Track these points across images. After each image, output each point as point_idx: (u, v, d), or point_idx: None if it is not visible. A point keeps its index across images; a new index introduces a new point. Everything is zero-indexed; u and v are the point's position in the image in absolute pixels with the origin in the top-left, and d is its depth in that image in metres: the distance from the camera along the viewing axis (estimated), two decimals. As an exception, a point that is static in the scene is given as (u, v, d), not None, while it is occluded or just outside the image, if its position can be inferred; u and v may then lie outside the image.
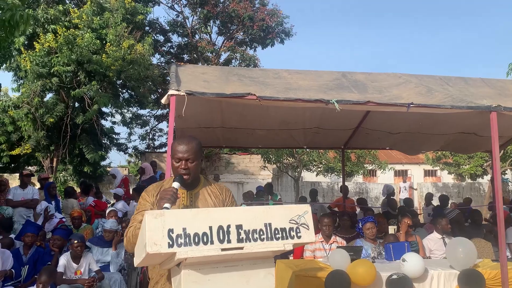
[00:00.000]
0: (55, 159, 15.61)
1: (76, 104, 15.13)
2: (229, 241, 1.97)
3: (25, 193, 7.41)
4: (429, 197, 10.59)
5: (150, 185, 2.69)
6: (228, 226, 2.00)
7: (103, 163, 19.04)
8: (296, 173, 16.62)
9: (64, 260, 5.03)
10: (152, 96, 18.77)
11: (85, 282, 4.84)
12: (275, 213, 2.11)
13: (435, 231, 5.79)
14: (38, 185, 8.74)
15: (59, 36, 12.37)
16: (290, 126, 7.48)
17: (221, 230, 1.98)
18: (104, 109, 16.45)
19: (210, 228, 1.96)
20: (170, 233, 1.89)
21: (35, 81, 13.06)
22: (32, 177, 8.29)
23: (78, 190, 10.43)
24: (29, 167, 17.14)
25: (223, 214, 2.02)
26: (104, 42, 13.08)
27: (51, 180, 9.73)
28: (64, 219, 7.15)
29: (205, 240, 1.94)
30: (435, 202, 10.77)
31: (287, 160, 16.07)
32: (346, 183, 9.73)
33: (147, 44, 13.64)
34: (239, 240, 1.99)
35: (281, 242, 2.06)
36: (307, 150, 15.50)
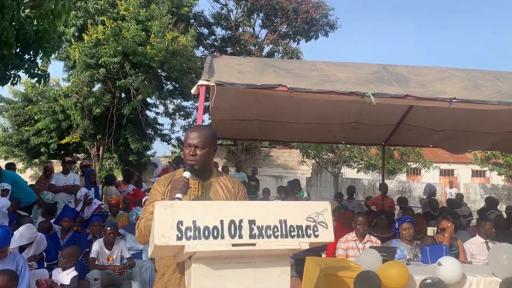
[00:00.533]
0: (101, 148, 16.14)
1: (122, 95, 15.57)
2: (240, 237, 1.89)
3: (67, 179, 7.68)
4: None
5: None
6: (241, 221, 1.91)
7: (148, 152, 19.53)
8: (336, 169, 16.30)
9: (97, 246, 5.15)
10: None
11: (116, 268, 4.93)
12: (292, 209, 2.00)
13: (478, 235, 5.46)
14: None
15: (106, 28, 12.72)
16: (328, 121, 7.30)
17: (232, 225, 1.90)
18: (148, 100, 16.83)
19: (222, 222, 1.89)
20: (180, 225, 1.83)
21: (84, 71, 13.51)
22: (73, 164, 8.57)
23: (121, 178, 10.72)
24: (77, 155, 17.85)
25: (236, 208, 1.94)
26: (149, 34, 13.33)
27: (92, 168, 10.03)
28: (102, 206, 7.35)
29: (215, 234, 1.86)
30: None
31: (327, 156, 15.77)
32: (388, 182, 9.45)
33: (189, 36, 13.76)
34: (252, 236, 1.91)
35: (297, 241, 1.96)
36: (348, 146, 15.17)
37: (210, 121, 8.84)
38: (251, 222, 1.92)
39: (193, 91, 4.10)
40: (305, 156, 15.84)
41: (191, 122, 23.34)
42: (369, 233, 5.77)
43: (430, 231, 5.90)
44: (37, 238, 5.07)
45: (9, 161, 16.23)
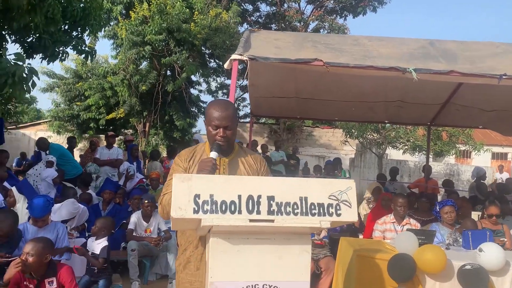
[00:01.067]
0: (147, 124, 16.56)
1: (168, 73, 15.81)
2: (258, 212, 1.84)
3: (111, 153, 7.92)
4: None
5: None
6: (259, 197, 1.86)
7: (192, 130, 19.83)
8: (381, 150, 15.84)
9: (135, 218, 5.29)
10: (239, 66, 18.96)
11: (152, 240, 5.06)
12: (313, 186, 1.92)
13: (527, 221, 5.16)
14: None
15: (152, 5, 12.86)
16: (370, 99, 7.04)
17: (250, 200, 1.85)
18: (192, 78, 17.00)
19: (239, 197, 1.85)
20: (197, 198, 1.81)
21: (130, 49, 13.79)
22: (116, 138, 8.81)
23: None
24: (124, 131, 18.42)
25: (255, 183, 1.89)
26: (193, 10, 13.35)
27: (135, 143, 10.29)
28: (144, 180, 7.54)
29: (232, 209, 1.83)
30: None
31: (371, 136, 15.33)
32: (436, 164, 9.06)
33: (232, 12, 13.65)
34: (270, 212, 1.85)
35: (317, 219, 1.89)
36: (394, 126, 14.68)
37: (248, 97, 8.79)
38: (270, 198, 1.87)
39: (226, 65, 4.03)
40: (348, 136, 15.49)
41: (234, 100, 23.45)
42: (409, 216, 5.58)
43: (475, 216, 5.61)
44: (80, 210, 5.28)
45: (62, 135, 17.05)
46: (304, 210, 1.88)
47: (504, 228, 5.17)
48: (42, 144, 7.65)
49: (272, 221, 1.85)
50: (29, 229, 4.20)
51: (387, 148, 16.13)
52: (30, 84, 5.64)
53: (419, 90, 6.49)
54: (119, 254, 5.21)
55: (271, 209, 1.86)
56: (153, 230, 5.34)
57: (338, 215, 1.92)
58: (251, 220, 1.83)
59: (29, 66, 5.64)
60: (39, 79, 5.73)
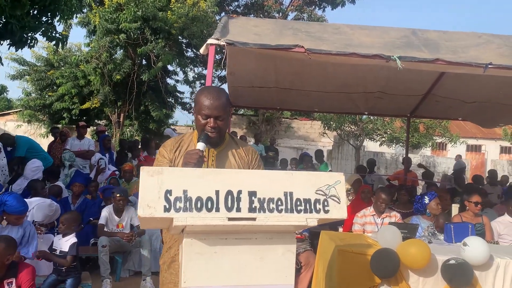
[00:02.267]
0: (122, 115, 16.13)
1: (143, 62, 15.38)
2: (238, 210, 1.65)
3: (82, 144, 7.59)
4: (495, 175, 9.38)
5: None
6: (239, 192, 1.66)
7: (169, 121, 19.43)
8: (358, 142, 15.86)
9: (106, 212, 5.03)
10: (217, 56, 18.63)
11: (124, 235, 4.82)
12: (299, 180, 1.74)
13: (506, 213, 5.12)
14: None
15: (127, -8, 12.43)
16: (351, 89, 6.92)
17: (230, 196, 1.65)
18: (169, 68, 16.60)
19: (217, 192, 1.64)
20: (168, 195, 1.60)
21: (104, 37, 13.33)
22: (87, 129, 8.47)
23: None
24: (98, 121, 17.92)
25: (234, 177, 1.69)
26: (169, -1, 12.97)
27: (107, 133, 9.95)
28: (117, 172, 7.24)
29: (209, 207, 1.62)
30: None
31: (349, 128, 15.32)
32: (412, 156, 9.02)
33: (210, 1, 13.34)
34: (251, 209, 1.66)
35: (303, 216, 1.70)
36: (371, 118, 14.69)
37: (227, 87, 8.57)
38: (252, 194, 1.68)
39: (202, 50, 3.80)
40: (326, 128, 15.44)
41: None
42: (388, 208, 5.49)
43: (455, 208, 5.56)
44: (54, 211, 4.98)
45: (33, 124, 16.48)
46: (289, 207, 1.70)
47: (484, 220, 5.13)
48: (7, 140, 7.23)
49: (254, 219, 1.66)
50: (-7, 226, 3.91)
51: (365, 140, 16.17)
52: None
53: (400, 81, 6.40)
54: (89, 251, 4.95)
55: (253, 206, 1.66)
56: (125, 225, 5.09)
57: (326, 211, 1.74)
58: (230, 219, 1.63)
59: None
60: (2, 64, 5.37)
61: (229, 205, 1.64)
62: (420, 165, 8.70)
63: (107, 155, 7.57)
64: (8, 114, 20.97)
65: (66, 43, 8.01)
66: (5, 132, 8.55)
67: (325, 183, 1.76)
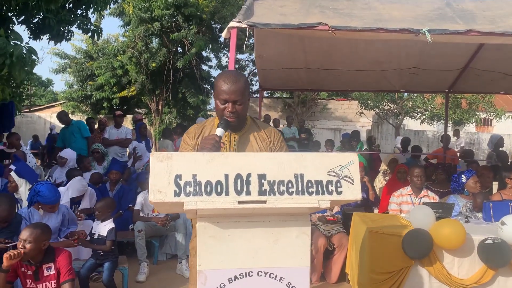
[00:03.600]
0: (160, 103, 16.44)
1: (178, 50, 15.55)
2: (248, 193, 1.64)
3: (119, 133, 7.79)
4: None
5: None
6: (249, 175, 1.66)
7: (208, 107, 19.60)
8: (398, 121, 15.41)
9: (141, 198, 5.17)
10: (250, 40, 18.55)
11: (159, 220, 4.94)
12: (310, 162, 1.71)
13: (553, 190, 4.86)
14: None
15: (157, -20, 12.56)
16: (384, 67, 6.71)
17: (239, 180, 1.65)
18: (203, 54, 16.69)
19: (226, 176, 1.64)
20: (178, 179, 1.61)
21: (139, 26, 13.56)
22: (124, 117, 8.71)
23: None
24: (138, 110, 18.37)
25: (243, 160, 1.68)
26: (201, -17, 13.00)
27: (143, 121, 10.17)
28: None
29: (218, 190, 1.63)
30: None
31: (388, 106, 14.89)
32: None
33: (239, -17, 13.25)
34: (261, 192, 1.65)
35: (315, 198, 1.68)
36: (411, 95, 14.22)
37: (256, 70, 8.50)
38: (261, 177, 1.66)
39: (224, 34, 3.77)
40: (363, 107, 15.08)
41: (246, 76, 23.10)
42: (427, 188, 5.33)
43: (496, 186, 5.32)
44: (88, 192, 5.18)
45: (76, 115, 17.11)
46: (299, 189, 1.67)
47: (527, 198, 4.88)
48: (64, 116, 7.71)
49: (264, 202, 1.65)
50: (34, 214, 4.12)
51: (404, 118, 15.69)
52: (29, 63, 5.52)
53: (436, 55, 6.14)
54: (128, 235, 5.12)
55: (263, 189, 1.65)
56: (160, 210, 5.21)
57: (339, 193, 1.70)
58: (240, 202, 1.63)
59: (27, 45, 5.49)
60: (38, 58, 5.57)
61: (239, 188, 1.64)
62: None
63: (143, 142, 7.75)
64: (53, 106, 21.85)
65: (101, 34, 8.19)
66: (62, 110, 9.13)
67: (338, 164, 1.72)
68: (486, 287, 3.57)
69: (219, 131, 2.12)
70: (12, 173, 4.87)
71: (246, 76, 20.58)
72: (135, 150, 6.99)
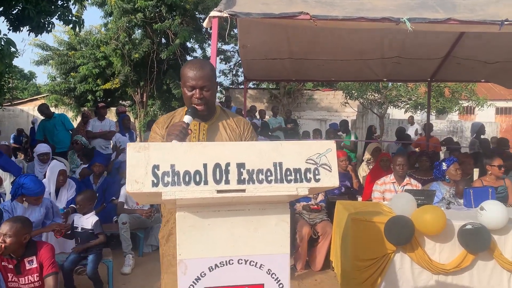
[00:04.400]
0: (144, 94, 16.30)
1: (163, 41, 15.39)
2: (227, 182, 1.64)
3: (103, 125, 7.72)
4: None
5: None
6: (227, 164, 1.66)
7: (192, 98, 19.39)
8: (382, 110, 15.53)
9: (125, 190, 5.13)
10: (235, 30, 18.42)
11: (143, 212, 4.93)
12: (288, 150, 1.72)
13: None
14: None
15: (139, -31, 12.39)
16: (367, 56, 6.74)
17: (218, 169, 1.65)
18: (188, 45, 16.56)
19: (205, 165, 1.64)
20: (155, 169, 1.61)
21: (121, 17, 13.39)
22: (107, 110, 8.64)
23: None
24: (123, 102, 18.19)
25: (222, 149, 1.68)
26: (183, -28, 12.86)
27: (126, 113, 10.10)
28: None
29: (197, 180, 1.63)
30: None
31: (372, 96, 14.97)
32: (438, 122, 8.76)
33: (223, -27, 13.14)
34: (240, 181, 1.65)
35: (294, 186, 1.69)
36: (395, 85, 14.33)
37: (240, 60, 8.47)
38: (240, 166, 1.67)
39: (205, 24, 3.75)
40: (348, 97, 15.15)
41: (232, 66, 23.02)
42: (409, 176, 5.41)
43: (476, 172, 5.42)
44: (68, 183, 5.13)
45: (59, 108, 16.90)
46: (278, 177, 1.68)
47: (506, 182, 5.00)
48: (45, 109, 7.60)
49: (243, 191, 1.65)
50: (17, 207, 4.08)
51: (389, 107, 15.82)
52: (8, 55, 5.43)
53: (418, 44, 6.19)
54: (112, 228, 5.11)
55: (242, 178, 1.66)
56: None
57: (317, 180, 1.71)
58: (219, 191, 1.63)
59: (5, 37, 5.39)
60: (17, 50, 5.49)
61: (218, 177, 1.64)
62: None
63: (127, 135, 7.70)
64: (36, 99, 21.52)
65: (83, 25, 8.07)
66: (43, 103, 9.01)
67: (316, 152, 1.73)
68: (466, 271, 3.66)
69: (187, 118, 2.11)
70: (-4, 167, 4.83)
71: (215, 65, 20.45)
72: (117, 144, 6.92)
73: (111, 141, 7.76)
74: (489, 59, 6.48)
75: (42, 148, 5.91)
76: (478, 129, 8.20)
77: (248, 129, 2.36)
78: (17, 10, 7.35)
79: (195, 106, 2.19)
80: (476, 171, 5.36)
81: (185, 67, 2.22)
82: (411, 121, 13.95)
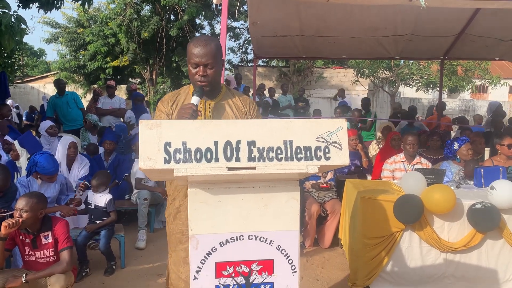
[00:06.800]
0: (154, 72, 16.28)
1: (171, 18, 15.27)
2: (237, 160, 1.66)
3: (113, 102, 7.76)
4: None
5: None
6: (238, 142, 1.67)
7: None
8: (393, 88, 15.36)
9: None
10: (245, 7, 18.19)
11: (164, 191, 4.97)
12: (299, 128, 1.72)
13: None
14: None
15: None
16: (379, 33, 6.64)
17: (228, 146, 1.66)
18: (197, 21, 16.41)
19: (216, 143, 1.66)
20: (167, 147, 1.63)
21: (129, -8, 13.29)
22: (116, 87, 8.66)
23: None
24: (133, 80, 18.19)
25: (233, 127, 1.69)
26: None
27: (138, 91, 10.12)
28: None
29: (208, 157, 1.64)
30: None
31: (383, 74, 14.79)
32: (451, 100, 8.64)
33: None
34: (251, 158, 1.67)
35: (304, 163, 1.70)
36: (407, 62, 14.12)
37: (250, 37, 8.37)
38: (250, 143, 1.68)
39: (215, 0, 3.70)
40: (359, 75, 14.98)
41: (241, 44, 22.82)
42: (419, 155, 5.38)
43: (487, 152, 5.39)
44: (79, 159, 5.18)
45: (69, 86, 16.96)
46: (289, 155, 1.69)
47: (518, 163, 4.94)
48: (62, 84, 7.66)
49: (254, 168, 1.67)
50: (33, 183, 4.15)
51: (400, 86, 15.64)
52: (19, 32, 5.43)
53: (431, 21, 6.08)
54: (125, 204, 5.19)
55: (252, 155, 1.67)
56: (158, 179, 5.25)
57: (327, 158, 1.72)
58: (229, 169, 1.65)
59: (16, 14, 5.39)
60: (27, 27, 5.49)
61: (228, 155, 1.66)
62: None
63: (148, 109, 7.73)
64: (46, 77, 21.60)
65: (92, 2, 8.02)
66: (59, 78, 9.06)
67: (326, 130, 1.74)
68: (474, 250, 3.68)
69: (195, 99, 2.12)
70: (16, 142, 4.95)
71: (225, 42, 20.24)
72: (128, 121, 6.96)
73: (121, 118, 7.81)
74: (504, 36, 6.35)
75: (47, 123, 5.99)
76: (496, 108, 8.07)
77: (254, 108, 2.37)
78: (25, -14, 7.32)
79: (199, 83, 2.19)
80: (487, 151, 5.31)
81: (190, 44, 2.21)
82: (341, 94, 12.43)
